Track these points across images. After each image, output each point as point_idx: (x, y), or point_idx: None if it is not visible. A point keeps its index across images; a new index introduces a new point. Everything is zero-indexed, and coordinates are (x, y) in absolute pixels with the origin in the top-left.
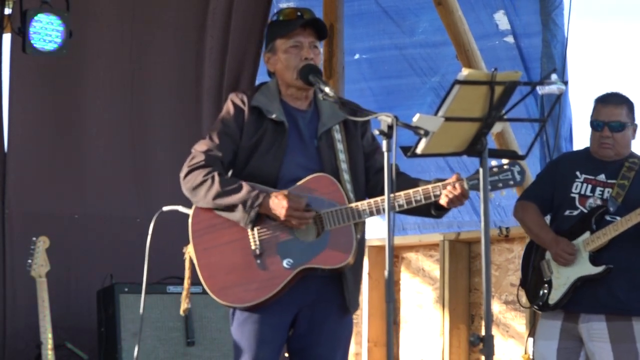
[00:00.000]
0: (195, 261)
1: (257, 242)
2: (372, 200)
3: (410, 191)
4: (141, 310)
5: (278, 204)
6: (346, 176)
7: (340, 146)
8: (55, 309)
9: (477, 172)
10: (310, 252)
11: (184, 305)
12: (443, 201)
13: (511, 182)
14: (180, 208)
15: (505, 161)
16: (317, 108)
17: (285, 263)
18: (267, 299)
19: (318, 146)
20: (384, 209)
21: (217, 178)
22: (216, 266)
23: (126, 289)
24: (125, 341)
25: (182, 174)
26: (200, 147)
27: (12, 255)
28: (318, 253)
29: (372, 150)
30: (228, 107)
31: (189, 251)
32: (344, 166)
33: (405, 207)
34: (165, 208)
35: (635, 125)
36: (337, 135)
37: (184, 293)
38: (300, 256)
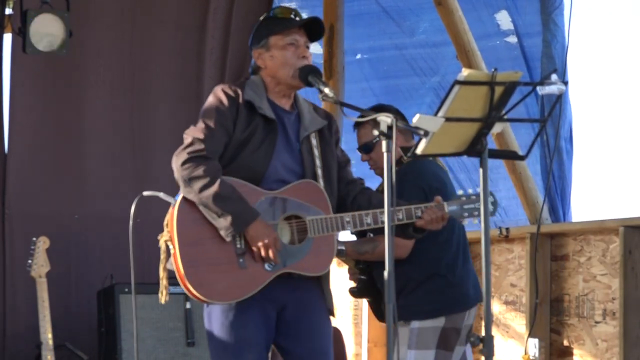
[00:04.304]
0: (177, 252)
1: (242, 241)
2: (356, 213)
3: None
4: (133, 308)
5: (265, 232)
6: (322, 182)
7: (316, 152)
8: (55, 309)
9: (458, 198)
10: (292, 257)
11: (164, 295)
12: (422, 222)
13: (476, 213)
14: (162, 195)
15: (471, 192)
16: (298, 111)
17: (266, 265)
18: (245, 298)
19: (301, 149)
20: (367, 223)
21: (218, 178)
22: (198, 260)
23: (126, 289)
24: (125, 341)
25: (179, 159)
26: (198, 134)
27: (12, 255)
28: (299, 259)
29: (345, 162)
30: (220, 97)
31: (166, 239)
32: (319, 172)
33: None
34: (145, 193)
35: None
36: (314, 141)
37: (162, 282)
38: (281, 260)
